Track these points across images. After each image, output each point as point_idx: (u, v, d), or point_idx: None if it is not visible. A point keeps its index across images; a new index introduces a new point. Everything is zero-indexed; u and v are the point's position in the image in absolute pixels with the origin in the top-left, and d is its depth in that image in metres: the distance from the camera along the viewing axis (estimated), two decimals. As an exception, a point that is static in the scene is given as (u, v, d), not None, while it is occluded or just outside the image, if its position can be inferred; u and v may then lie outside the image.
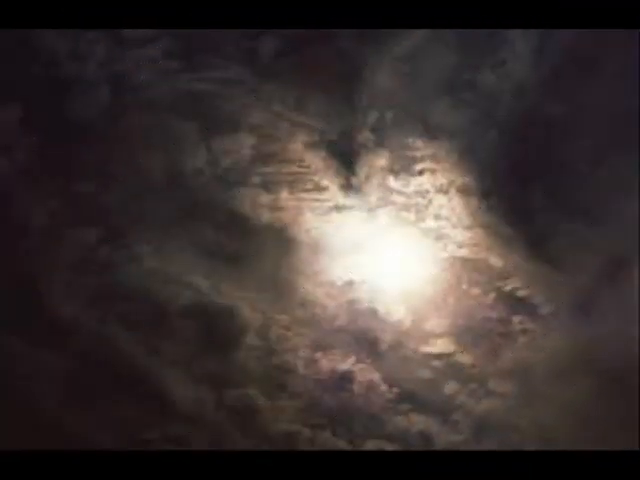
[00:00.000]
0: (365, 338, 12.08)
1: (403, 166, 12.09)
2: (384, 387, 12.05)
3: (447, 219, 12.08)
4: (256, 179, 12.04)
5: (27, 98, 11.64)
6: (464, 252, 12.10)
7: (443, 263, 12.12)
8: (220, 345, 11.89)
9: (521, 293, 12.12)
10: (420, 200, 12.07)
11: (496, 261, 12.11)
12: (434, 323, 12.12)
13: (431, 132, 12.07)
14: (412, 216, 12.08)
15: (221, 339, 11.90)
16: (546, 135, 12.04)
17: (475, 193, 12.07)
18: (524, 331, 12.08)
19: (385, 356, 12.08)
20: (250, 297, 11.96)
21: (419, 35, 11.88)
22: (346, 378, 12.06)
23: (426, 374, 12.08)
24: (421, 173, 12.07)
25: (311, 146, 12.10)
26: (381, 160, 12.08)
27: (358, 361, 12.08)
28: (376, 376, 12.05)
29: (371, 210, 12.08)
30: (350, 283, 12.07)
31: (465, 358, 12.08)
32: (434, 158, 12.07)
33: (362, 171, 12.10)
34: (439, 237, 12.08)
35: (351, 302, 12.08)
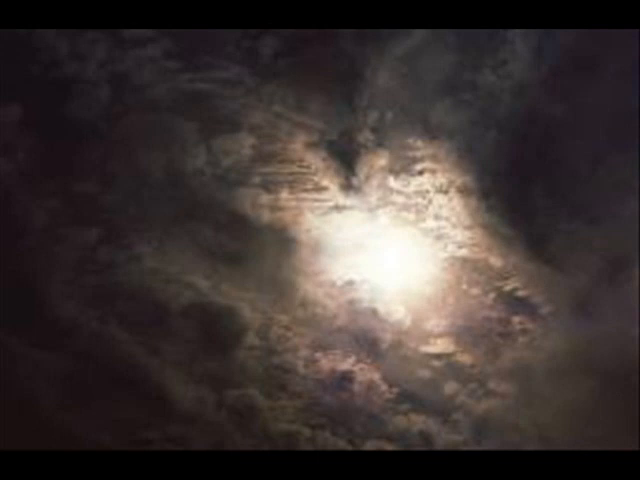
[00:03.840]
0: (365, 338, 12.09)
1: (403, 166, 12.09)
2: (384, 387, 12.05)
3: (447, 219, 12.08)
4: (256, 179, 12.05)
5: (27, 98, 11.63)
6: (464, 252, 12.11)
7: (443, 263, 12.14)
8: (220, 345, 11.89)
9: (521, 293, 12.13)
10: (420, 200, 12.08)
11: (496, 261, 12.12)
12: (434, 323, 12.13)
13: (431, 132, 12.08)
14: (412, 216, 12.08)
15: (221, 339, 11.90)
16: (546, 135, 12.04)
17: (475, 193, 12.08)
18: (524, 331, 12.09)
19: (385, 356, 12.09)
20: (250, 297, 11.97)
21: (419, 35, 11.88)
22: (346, 378, 12.07)
23: (426, 374, 12.09)
24: (421, 173, 12.08)
25: (311, 146, 12.10)
26: (381, 160, 12.08)
27: (358, 361, 12.09)
28: (376, 376, 12.06)
29: (371, 210, 12.08)
30: (350, 283, 12.08)
31: (465, 358, 12.09)
32: (434, 158, 12.07)
33: (362, 171, 12.10)
34: (439, 237, 12.09)
35: (351, 302, 12.08)
